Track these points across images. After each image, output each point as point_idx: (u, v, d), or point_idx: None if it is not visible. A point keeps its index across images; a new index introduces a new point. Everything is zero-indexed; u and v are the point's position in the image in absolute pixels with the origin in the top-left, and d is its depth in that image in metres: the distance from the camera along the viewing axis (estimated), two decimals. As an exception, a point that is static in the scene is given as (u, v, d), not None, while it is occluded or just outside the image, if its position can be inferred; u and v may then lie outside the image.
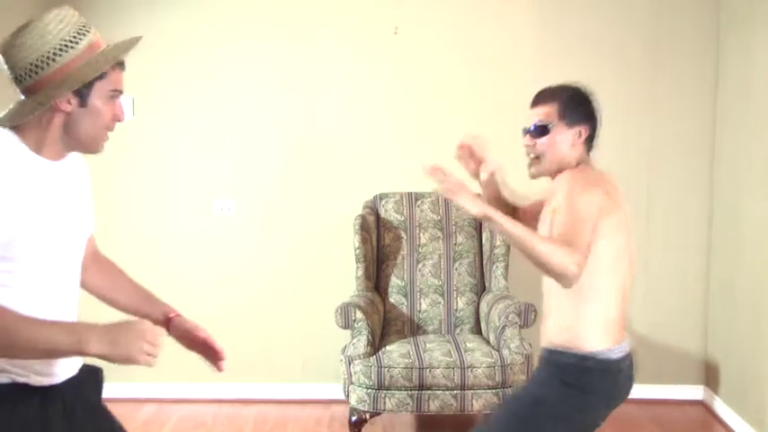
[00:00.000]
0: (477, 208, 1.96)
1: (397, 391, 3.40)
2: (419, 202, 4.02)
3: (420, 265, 3.95)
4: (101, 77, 1.63)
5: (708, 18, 4.08)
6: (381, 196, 4.07)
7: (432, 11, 4.13)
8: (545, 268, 1.92)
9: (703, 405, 4.17)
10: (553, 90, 2.23)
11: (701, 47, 4.10)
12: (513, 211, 2.41)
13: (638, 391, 4.21)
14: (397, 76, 4.17)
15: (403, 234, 3.99)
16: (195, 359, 4.29)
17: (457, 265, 3.96)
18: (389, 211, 4.02)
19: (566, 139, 2.16)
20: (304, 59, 4.14)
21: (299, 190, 4.22)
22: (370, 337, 3.50)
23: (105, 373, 4.17)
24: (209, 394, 4.26)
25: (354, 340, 3.51)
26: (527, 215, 2.38)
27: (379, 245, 4.00)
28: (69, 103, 1.59)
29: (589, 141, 2.22)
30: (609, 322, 2.09)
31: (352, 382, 3.49)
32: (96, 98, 1.63)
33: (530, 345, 3.52)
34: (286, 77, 4.16)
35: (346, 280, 3.97)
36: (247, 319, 4.26)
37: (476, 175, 2.36)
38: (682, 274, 4.21)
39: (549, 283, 2.09)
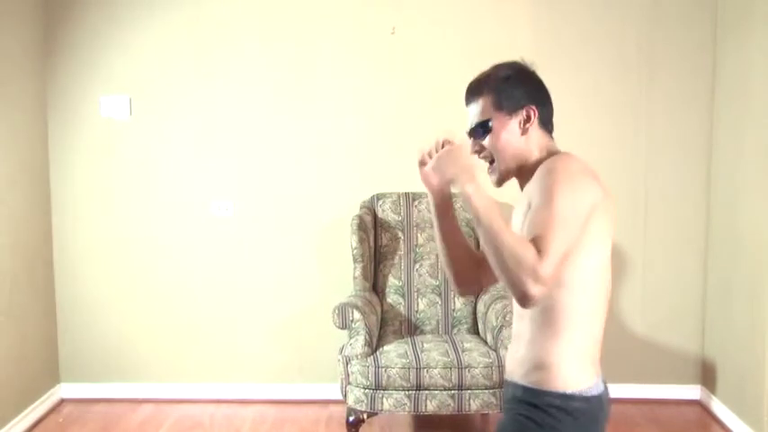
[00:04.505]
0: (462, 181, 1.65)
1: (394, 391, 3.40)
2: (416, 203, 4.02)
3: (417, 266, 3.96)
4: None
5: (705, 18, 4.09)
6: (378, 196, 4.07)
7: (429, 11, 4.13)
8: (505, 277, 1.54)
9: (700, 404, 4.18)
10: (482, 79, 1.89)
11: (697, 46, 4.11)
12: (472, 254, 2.00)
13: (636, 390, 4.28)
14: (394, 76, 4.17)
15: (400, 234, 3.99)
16: (192, 359, 4.31)
17: (454, 265, 3.95)
18: (387, 212, 4.02)
19: (513, 130, 1.80)
20: (301, 60, 4.14)
21: (296, 190, 4.22)
22: (367, 337, 3.50)
23: (99, 374, 4.19)
24: (207, 394, 4.26)
25: (352, 340, 3.51)
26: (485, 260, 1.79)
27: (377, 245, 4.00)
28: None
29: (545, 123, 1.85)
30: (592, 352, 1.73)
31: (349, 383, 3.49)
32: None
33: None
34: (283, 78, 4.15)
35: (344, 280, 3.97)
36: (245, 320, 4.26)
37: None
38: (679, 273, 4.21)
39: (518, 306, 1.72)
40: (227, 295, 4.25)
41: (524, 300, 1.52)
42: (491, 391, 3.40)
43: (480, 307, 3.84)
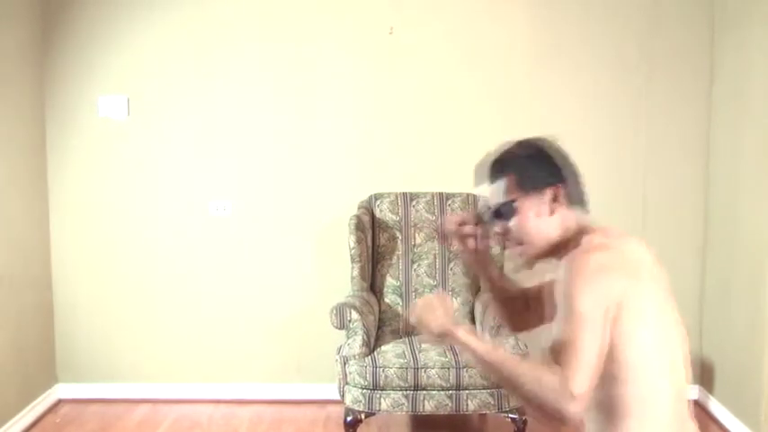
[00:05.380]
0: (450, 336, 1.64)
1: (392, 392, 3.40)
2: (414, 202, 4.02)
3: (415, 266, 3.95)
4: None
5: (703, 18, 4.09)
6: (376, 196, 4.06)
7: (427, 11, 4.13)
8: (533, 406, 1.52)
9: (698, 405, 4.17)
10: (503, 157, 1.78)
11: (695, 46, 4.11)
12: (520, 295, 2.00)
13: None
14: (392, 76, 4.16)
15: (398, 234, 3.99)
16: (189, 359, 4.31)
17: (452, 265, 3.96)
18: (385, 211, 4.02)
19: (538, 210, 1.72)
20: (299, 60, 4.14)
21: (294, 190, 4.21)
22: (365, 337, 3.49)
23: (97, 374, 4.19)
24: (205, 395, 4.25)
25: (350, 340, 3.51)
26: (539, 298, 1.92)
27: (375, 245, 3.99)
28: None
29: (575, 200, 1.76)
30: (660, 428, 1.63)
31: (347, 383, 3.48)
32: None
33: (525, 345, 3.52)
34: (281, 77, 4.15)
35: (341, 280, 3.96)
36: (242, 320, 4.25)
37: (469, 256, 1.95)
38: (677, 273, 4.18)
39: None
40: (224, 295, 4.25)
41: (564, 421, 1.49)
42: (489, 391, 3.40)
43: (478, 307, 3.83)
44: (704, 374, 4.17)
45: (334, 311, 3.53)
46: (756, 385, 3.55)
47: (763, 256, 3.51)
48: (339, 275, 4.03)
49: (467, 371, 3.39)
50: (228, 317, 4.25)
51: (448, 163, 4.18)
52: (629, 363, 1.58)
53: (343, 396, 3.53)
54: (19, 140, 3.91)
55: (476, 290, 3.96)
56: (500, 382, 1.59)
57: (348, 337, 3.53)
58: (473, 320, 3.88)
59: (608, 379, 1.59)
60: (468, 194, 4.02)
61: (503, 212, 1.74)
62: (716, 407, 3.99)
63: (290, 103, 4.16)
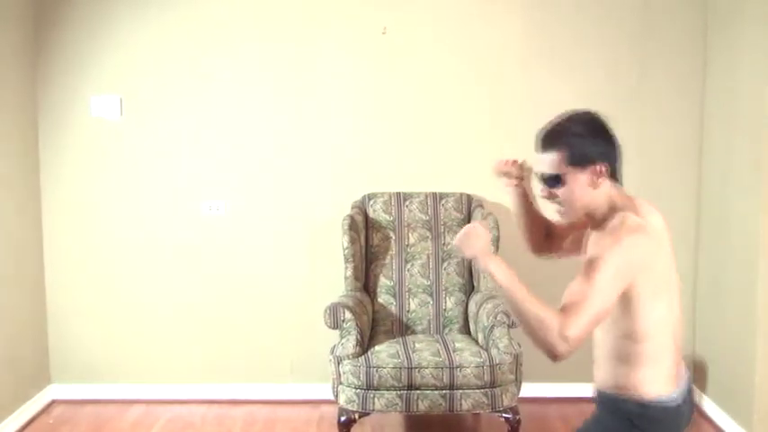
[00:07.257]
0: (483, 262, 1.87)
1: (386, 391, 3.40)
2: (407, 202, 4.02)
3: (409, 265, 3.96)
4: None
5: (695, 18, 4.10)
6: (370, 196, 4.06)
7: (420, 11, 4.13)
8: (532, 338, 1.77)
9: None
10: (555, 132, 1.98)
11: (688, 47, 4.12)
12: (546, 227, 2.30)
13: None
14: (385, 76, 4.17)
15: (391, 234, 3.99)
16: (183, 360, 4.30)
17: (445, 265, 3.96)
18: (378, 211, 4.02)
19: (584, 183, 1.94)
20: (292, 59, 4.13)
21: (287, 190, 4.21)
22: (358, 337, 3.50)
23: (90, 375, 4.19)
24: (198, 395, 4.25)
25: (343, 340, 3.51)
26: (560, 235, 2.27)
27: (368, 245, 3.99)
28: None
29: (614, 175, 2.02)
30: (665, 374, 1.93)
31: (341, 383, 3.49)
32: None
33: (518, 344, 3.53)
34: (274, 77, 4.15)
35: (335, 280, 3.96)
36: (236, 320, 4.25)
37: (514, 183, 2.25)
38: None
39: (597, 335, 1.98)
40: (218, 295, 4.25)
41: (553, 357, 1.74)
42: (482, 390, 3.40)
43: (472, 307, 3.84)
44: (697, 373, 4.18)
45: (328, 311, 3.53)
46: (749, 384, 3.56)
47: (756, 255, 3.52)
48: (332, 275, 4.03)
49: (460, 371, 3.40)
50: (222, 317, 4.25)
51: (441, 163, 4.19)
52: (646, 327, 1.86)
53: (336, 396, 3.53)
54: (12, 140, 3.89)
55: (469, 289, 3.97)
56: (512, 311, 1.83)
57: (342, 337, 3.53)
58: (467, 320, 3.89)
59: (630, 337, 1.88)
60: (461, 194, 4.03)
61: (550, 181, 1.95)
62: (709, 406, 4.00)
63: (283, 103, 4.16)
